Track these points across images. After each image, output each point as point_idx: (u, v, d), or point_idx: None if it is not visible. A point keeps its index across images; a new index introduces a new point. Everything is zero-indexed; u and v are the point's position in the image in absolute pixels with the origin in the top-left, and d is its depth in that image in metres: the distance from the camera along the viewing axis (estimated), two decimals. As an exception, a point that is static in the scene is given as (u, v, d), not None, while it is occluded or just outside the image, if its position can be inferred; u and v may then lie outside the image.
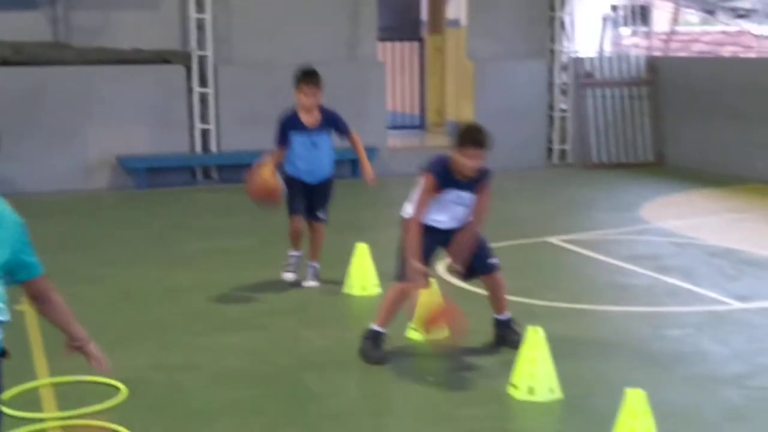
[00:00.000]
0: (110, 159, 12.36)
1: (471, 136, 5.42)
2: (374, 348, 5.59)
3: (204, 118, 12.77)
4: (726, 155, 12.92)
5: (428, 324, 5.40)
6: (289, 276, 7.32)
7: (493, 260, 5.75)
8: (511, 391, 5.03)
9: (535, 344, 5.01)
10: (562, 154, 14.48)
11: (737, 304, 6.73)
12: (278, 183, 6.81)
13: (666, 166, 13.88)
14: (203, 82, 12.72)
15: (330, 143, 7.15)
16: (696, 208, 10.67)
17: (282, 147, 7.00)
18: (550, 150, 14.47)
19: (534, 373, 4.98)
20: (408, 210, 5.60)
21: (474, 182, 5.52)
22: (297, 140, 7.01)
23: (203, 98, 12.73)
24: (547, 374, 4.99)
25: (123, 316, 6.68)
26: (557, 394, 4.97)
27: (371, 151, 13.18)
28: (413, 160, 13.65)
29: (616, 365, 5.52)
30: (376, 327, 5.63)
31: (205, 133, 12.80)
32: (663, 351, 5.78)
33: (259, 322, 6.46)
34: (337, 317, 6.61)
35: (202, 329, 6.32)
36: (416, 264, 5.38)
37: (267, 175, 6.74)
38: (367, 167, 7.18)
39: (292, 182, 7.05)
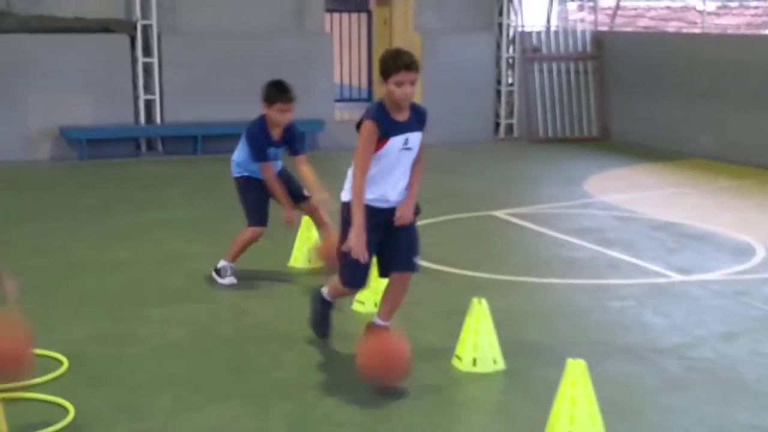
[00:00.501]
0: (52, 130, 12.15)
1: (397, 60, 4.79)
2: (322, 321, 5.46)
3: (148, 89, 12.59)
4: (670, 130, 13.07)
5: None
6: (232, 280, 6.65)
7: (417, 259, 5.15)
8: (455, 362, 5.06)
9: (478, 316, 5.03)
10: (509, 128, 14.54)
11: (678, 277, 6.83)
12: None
13: (611, 140, 14.01)
14: (147, 52, 12.54)
15: (281, 153, 6.68)
16: (639, 183, 10.79)
17: (267, 162, 6.47)
18: (497, 124, 14.52)
19: (478, 344, 5.00)
20: (347, 195, 5.01)
21: (415, 119, 4.95)
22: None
23: (147, 68, 12.56)
24: (491, 346, 5.02)
25: (65, 288, 6.59)
26: (500, 365, 5.00)
27: (318, 124, 13.16)
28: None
29: (558, 337, 5.57)
30: (326, 295, 5.41)
31: (149, 104, 12.64)
32: (604, 322, 5.85)
33: (202, 295, 6.41)
34: (281, 290, 6.58)
35: (144, 301, 6.25)
36: (361, 236, 4.80)
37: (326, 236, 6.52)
38: (324, 196, 6.47)
39: (250, 184, 6.56)
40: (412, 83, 4.83)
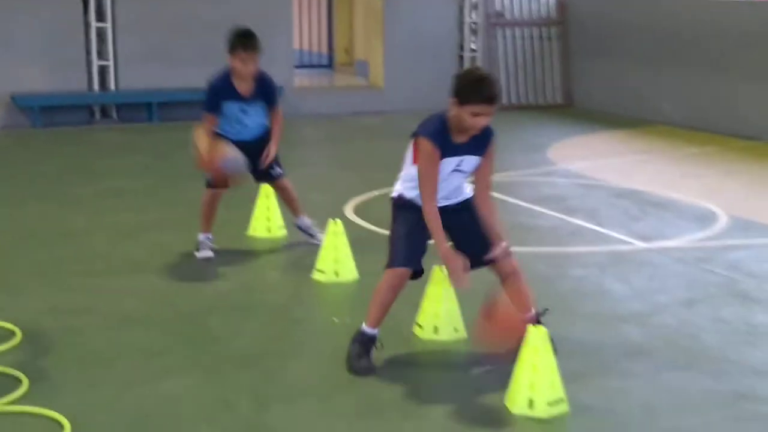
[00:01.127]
0: (4, 97, 11.90)
1: (482, 91, 4.33)
2: (361, 355, 4.55)
3: (102, 55, 12.35)
4: (633, 97, 13.08)
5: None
6: (207, 254, 6.40)
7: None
8: (417, 331, 5.01)
9: (440, 284, 4.97)
10: (471, 95, 14.47)
11: (640, 244, 6.82)
12: (223, 154, 6.02)
13: (574, 107, 14.00)
14: (101, 17, 12.28)
15: (263, 111, 6.30)
16: (602, 150, 10.79)
17: (214, 114, 6.15)
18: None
19: (439, 312, 4.96)
20: (398, 187, 4.69)
21: (474, 143, 4.50)
22: (229, 108, 6.17)
23: (101, 33, 12.30)
24: (452, 314, 4.97)
25: (19, 258, 6.45)
26: (461, 333, 4.96)
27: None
28: (321, 100, 13.53)
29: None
30: (366, 328, 4.61)
31: (103, 70, 12.40)
32: (566, 290, 5.82)
33: (159, 265, 6.29)
34: (240, 260, 6.48)
35: (100, 271, 6.13)
36: (453, 256, 4.39)
37: (207, 149, 6.04)
38: (273, 148, 6.34)
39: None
40: (489, 117, 4.40)
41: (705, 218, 7.55)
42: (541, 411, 3.99)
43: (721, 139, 11.27)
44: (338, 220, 6.02)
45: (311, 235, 6.59)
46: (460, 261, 4.37)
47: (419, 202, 4.49)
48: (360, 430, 3.93)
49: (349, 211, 7.70)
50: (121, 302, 5.52)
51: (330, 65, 16.43)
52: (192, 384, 4.40)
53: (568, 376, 4.14)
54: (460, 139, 4.46)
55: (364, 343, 4.56)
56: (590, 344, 4.91)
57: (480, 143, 4.51)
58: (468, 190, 4.69)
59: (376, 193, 8.37)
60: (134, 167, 9.66)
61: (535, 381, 4.01)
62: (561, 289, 5.83)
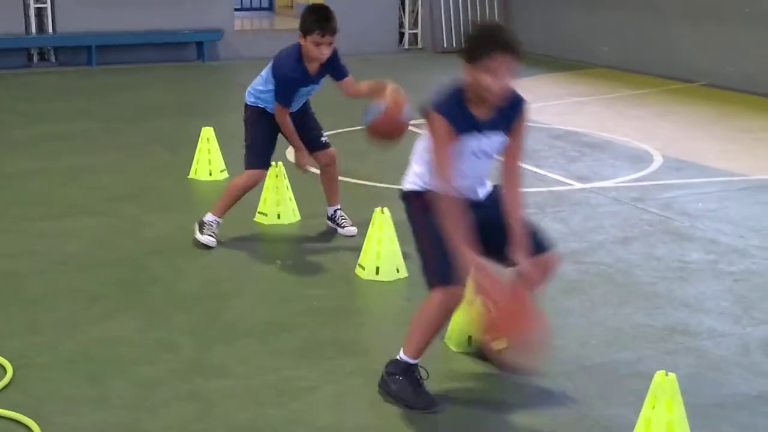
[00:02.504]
0: (-63, 39, 11.59)
1: (493, 39, 3.50)
2: (414, 390, 3.67)
3: (39, -4, 12.08)
4: (572, 40, 13.16)
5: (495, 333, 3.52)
6: (210, 240, 5.50)
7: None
8: (359, 271, 5.07)
9: (381, 226, 5.03)
10: (414, 38, 14.44)
11: (577, 185, 6.94)
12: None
13: (514, 51, 14.03)
14: (37, -42, 11.99)
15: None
16: (542, 93, 10.86)
17: (289, 107, 5.37)
18: (401, 34, 14.39)
19: (380, 253, 5.01)
20: (412, 179, 3.84)
21: (502, 117, 3.63)
22: (298, 92, 5.44)
23: (37, -25, 12.02)
24: (393, 254, 5.03)
25: (-46, 203, 6.36)
26: (402, 273, 5.03)
27: (216, 33, 12.85)
28: (261, 44, 13.38)
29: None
30: (406, 357, 3.68)
31: (40, 12, 12.13)
32: (506, 230, 5.91)
33: (100, 208, 6.25)
34: (182, 202, 6.47)
35: (40, 215, 6.07)
36: (473, 257, 3.45)
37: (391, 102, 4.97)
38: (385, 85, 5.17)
39: (263, 118, 5.44)
40: (511, 72, 3.52)
41: (640, 159, 7.69)
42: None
43: (657, 81, 11.42)
44: (279, 163, 6.03)
45: (338, 225, 5.76)
46: (482, 266, 3.46)
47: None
48: (302, 368, 3.99)
49: (290, 153, 7.69)
50: (62, 246, 5.49)
51: (271, 8, 16.24)
52: (134, 326, 4.42)
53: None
54: (481, 112, 3.60)
55: (408, 373, 3.68)
56: (528, 282, 5.01)
57: (507, 116, 3.64)
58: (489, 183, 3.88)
59: (317, 136, 8.38)
60: (73, 111, 9.51)
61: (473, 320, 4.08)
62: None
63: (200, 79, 11.58)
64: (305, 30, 5.17)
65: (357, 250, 5.16)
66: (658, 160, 7.60)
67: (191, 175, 6.96)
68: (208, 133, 6.95)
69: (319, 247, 5.61)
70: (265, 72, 5.43)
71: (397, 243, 5.03)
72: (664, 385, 3.10)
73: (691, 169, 7.36)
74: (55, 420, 3.52)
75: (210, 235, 5.48)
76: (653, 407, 3.10)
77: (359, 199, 6.41)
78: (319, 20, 5.17)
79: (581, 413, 3.66)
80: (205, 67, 12.44)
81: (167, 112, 9.45)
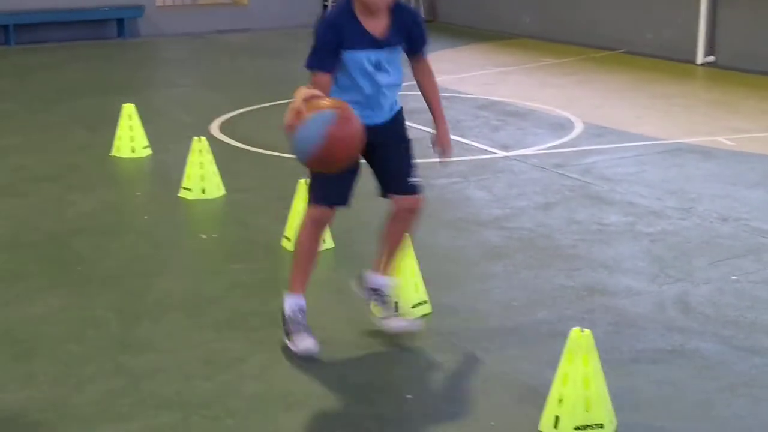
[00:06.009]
0: None
1: None
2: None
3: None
4: (495, 11, 13.26)
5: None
6: (309, 344, 3.84)
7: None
8: (285, 243, 5.09)
9: (305, 197, 5.05)
10: (337, 12, 14.41)
11: (500, 153, 7.04)
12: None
13: (438, 22, 14.10)
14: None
15: (399, 64, 3.88)
16: (465, 64, 10.96)
17: (329, 73, 3.72)
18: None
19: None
20: None
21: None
22: (353, 61, 3.74)
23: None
24: (319, 225, 5.06)
25: None
26: (329, 243, 5.07)
27: (137, 10, 12.67)
28: (184, 20, 13.24)
29: (383, 214, 5.67)
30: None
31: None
32: (430, 199, 5.94)
33: (22, 189, 6.17)
34: (105, 181, 6.41)
35: (-42, 198, 5.98)
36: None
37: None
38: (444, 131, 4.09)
39: None
40: None
41: (561, 126, 7.82)
42: (405, 312, 4.15)
43: (578, 49, 11.58)
44: (203, 138, 6.01)
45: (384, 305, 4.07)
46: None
47: None
48: (229, 340, 4.01)
49: (215, 129, 7.67)
50: (-19, 228, 5.42)
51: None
52: (59, 304, 4.39)
53: (430, 280, 4.31)
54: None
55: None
56: (452, 249, 5.10)
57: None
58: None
59: (242, 110, 8.36)
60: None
61: (399, 285, 4.15)
62: (426, 199, 5.97)
63: (121, 57, 11.42)
64: None
65: (282, 220, 5.18)
66: (578, 127, 7.74)
67: (113, 153, 6.89)
68: (129, 110, 6.89)
69: (245, 220, 5.62)
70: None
71: (322, 214, 5.05)
72: (580, 341, 3.20)
73: (611, 135, 7.51)
74: (-21, 400, 3.50)
75: (300, 334, 3.84)
76: (570, 362, 3.20)
77: (285, 173, 6.42)
78: None
79: (503, 372, 3.75)
80: (126, 45, 12.27)
81: (88, 91, 9.32)
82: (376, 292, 4.05)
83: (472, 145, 7.24)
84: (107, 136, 7.00)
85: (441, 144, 4.04)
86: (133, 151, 6.85)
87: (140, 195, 6.31)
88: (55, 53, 11.59)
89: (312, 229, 3.87)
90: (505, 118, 8.15)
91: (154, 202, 6.03)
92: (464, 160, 6.85)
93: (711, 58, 10.43)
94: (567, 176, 6.40)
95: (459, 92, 9.17)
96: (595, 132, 7.60)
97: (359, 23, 3.69)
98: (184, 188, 5.94)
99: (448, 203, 5.90)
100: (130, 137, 6.86)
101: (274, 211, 5.64)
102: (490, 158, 6.93)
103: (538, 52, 11.61)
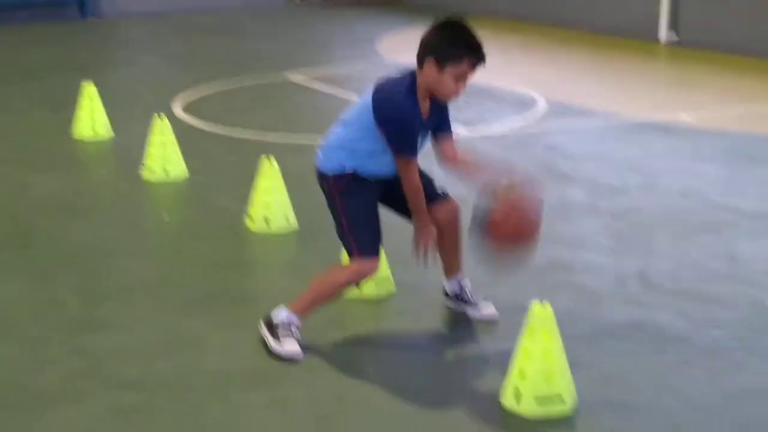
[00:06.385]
0: None
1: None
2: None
3: None
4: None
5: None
6: (292, 349, 3.69)
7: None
8: (248, 223, 5.08)
9: (269, 175, 5.04)
10: (302, -9, 14.34)
11: (464, 132, 7.05)
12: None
13: (402, 2, 14.07)
14: None
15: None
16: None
17: (416, 157, 3.73)
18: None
19: (269, 203, 5.03)
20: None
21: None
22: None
23: None
24: (282, 204, 5.06)
25: None
26: (293, 224, 5.06)
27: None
28: (147, 0, 13.12)
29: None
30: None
31: None
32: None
33: (-19, 171, 6.11)
34: (66, 162, 6.35)
35: None
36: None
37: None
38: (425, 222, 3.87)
39: (358, 187, 3.74)
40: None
41: (525, 104, 7.85)
42: (370, 291, 4.16)
43: (542, 29, 11.62)
44: (164, 117, 5.97)
45: (469, 303, 4.07)
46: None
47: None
48: (191, 320, 4.00)
49: (178, 109, 7.62)
50: (-60, 210, 5.36)
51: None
52: (19, 286, 4.35)
53: (395, 259, 4.31)
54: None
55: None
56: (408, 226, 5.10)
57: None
58: None
59: (206, 91, 8.30)
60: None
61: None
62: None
63: (83, 37, 11.30)
64: (444, 57, 3.53)
65: (244, 199, 5.16)
66: (542, 106, 7.77)
67: (74, 134, 6.83)
68: (90, 90, 6.82)
69: (207, 200, 5.60)
70: (353, 114, 3.75)
71: (285, 193, 5.05)
72: (540, 315, 3.22)
73: (573, 113, 7.55)
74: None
75: (290, 339, 3.70)
76: (530, 336, 3.23)
77: (248, 152, 6.40)
78: (471, 47, 3.56)
79: (466, 348, 3.77)
80: (88, 24, 12.14)
81: (49, 72, 9.22)
82: (460, 297, 4.04)
83: (436, 124, 7.24)
84: (68, 117, 6.93)
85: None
86: (94, 132, 6.79)
87: (102, 176, 6.27)
88: (15, 34, 11.43)
89: (353, 279, 3.71)
90: (468, 97, 8.13)
91: (116, 183, 5.99)
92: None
93: (674, 36, 10.51)
94: (529, 153, 6.43)
95: (423, 71, 9.17)
96: (558, 110, 7.64)
97: (418, 106, 3.61)
98: (147, 169, 5.90)
99: (411, 182, 5.90)
100: (92, 118, 6.80)
101: (237, 190, 5.62)
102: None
103: (503, 30, 11.62)
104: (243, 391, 3.43)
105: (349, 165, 3.69)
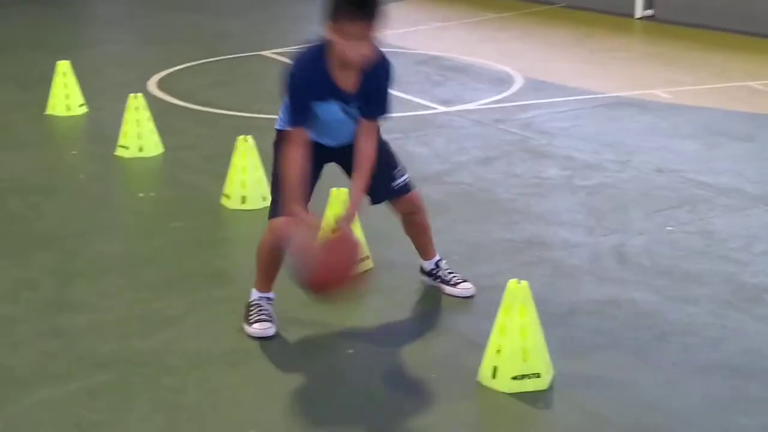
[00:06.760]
0: None
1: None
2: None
3: None
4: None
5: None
6: (264, 327, 3.69)
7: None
8: (224, 201, 5.05)
9: (244, 153, 5.01)
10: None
11: (441, 108, 7.04)
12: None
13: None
14: None
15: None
16: (405, 19, 10.89)
17: (302, 126, 3.51)
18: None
19: (245, 182, 5.00)
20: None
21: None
22: (324, 110, 3.56)
23: None
24: (259, 182, 5.03)
25: None
26: (269, 201, 5.03)
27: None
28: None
29: (325, 170, 5.65)
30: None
31: None
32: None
33: (-48, 149, 6.03)
34: (40, 140, 6.29)
35: None
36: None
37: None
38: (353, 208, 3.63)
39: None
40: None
41: (501, 81, 7.83)
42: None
43: (518, 4, 11.58)
44: (139, 95, 5.91)
45: (445, 282, 4.06)
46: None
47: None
48: (168, 299, 3.98)
49: (152, 86, 7.55)
50: None
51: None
52: (-10, 265, 4.32)
53: (370, 237, 4.30)
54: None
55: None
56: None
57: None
58: None
59: (179, 67, 8.23)
60: None
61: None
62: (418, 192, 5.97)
63: (54, 13, 11.15)
64: (334, 18, 3.36)
65: (222, 178, 5.13)
66: (518, 82, 7.76)
67: (48, 112, 6.76)
68: (64, 67, 6.74)
69: (183, 178, 5.56)
70: None
71: (262, 170, 5.02)
72: (516, 292, 3.23)
73: (550, 89, 7.54)
74: None
75: (259, 320, 3.69)
76: (507, 313, 3.24)
77: (224, 130, 6.35)
78: (351, 1, 3.34)
79: (443, 326, 3.78)
80: (60, 2, 11.99)
81: (20, 49, 9.10)
82: (434, 272, 4.06)
83: (412, 101, 7.22)
84: (42, 95, 6.85)
85: (345, 218, 3.51)
86: (68, 109, 6.72)
87: (76, 154, 6.22)
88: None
89: (270, 239, 3.66)
90: (445, 73, 8.14)
91: (90, 161, 5.94)
92: (405, 116, 6.83)
93: (649, 12, 10.51)
94: (506, 131, 6.42)
95: (399, 47, 9.12)
96: (535, 86, 7.63)
97: (330, 77, 3.44)
98: (121, 146, 5.85)
99: (388, 159, 5.89)
100: (65, 95, 6.72)
101: (213, 169, 5.59)
102: (431, 114, 6.92)
103: (479, 6, 11.57)
104: (219, 371, 3.42)
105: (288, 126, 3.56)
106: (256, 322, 3.67)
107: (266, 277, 3.73)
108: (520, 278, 3.31)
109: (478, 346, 3.39)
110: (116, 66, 8.37)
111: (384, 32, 3.39)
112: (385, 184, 3.83)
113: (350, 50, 3.33)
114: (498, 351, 3.26)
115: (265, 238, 3.68)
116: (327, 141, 3.68)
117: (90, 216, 4.97)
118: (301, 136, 3.49)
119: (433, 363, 3.49)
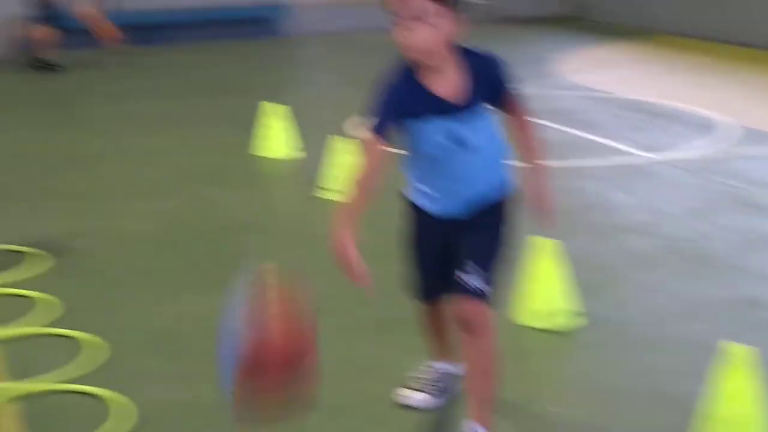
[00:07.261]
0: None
1: None
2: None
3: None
4: (638, 6, 12.96)
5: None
6: (417, 397, 3.47)
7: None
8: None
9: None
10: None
11: (644, 155, 6.89)
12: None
13: (581, 19, 13.79)
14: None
15: (489, 127, 3.09)
16: (607, 62, 10.76)
17: (385, 142, 2.93)
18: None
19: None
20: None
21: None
22: (424, 136, 2.99)
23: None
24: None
25: (34, 182, 6.50)
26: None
27: (284, 8, 12.87)
28: (329, 17, 13.35)
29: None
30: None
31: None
32: (571, 203, 5.85)
33: (172, 187, 6.33)
34: (249, 180, 6.52)
35: (116, 195, 6.17)
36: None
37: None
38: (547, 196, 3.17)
39: (415, 219, 3.27)
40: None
41: (709, 127, 7.59)
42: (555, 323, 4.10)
43: (718, 46, 11.19)
44: (345, 138, 6.04)
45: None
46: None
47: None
48: (369, 344, 4.03)
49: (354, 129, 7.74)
50: (142, 225, 5.56)
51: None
52: (207, 300, 4.48)
53: (577, 288, 4.23)
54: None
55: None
56: (597, 256, 5.01)
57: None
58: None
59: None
60: (144, 89, 9.62)
61: (546, 293, 4.09)
62: (566, 202, 5.87)
63: (269, 56, 11.62)
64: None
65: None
66: (727, 129, 7.50)
67: (256, 152, 6.94)
68: (275, 109, 6.99)
69: (394, 222, 5.62)
70: None
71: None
72: (737, 357, 3.10)
73: (763, 137, 7.24)
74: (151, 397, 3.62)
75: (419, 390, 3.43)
76: (726, 379, 3.11)
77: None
78: None
79: (654, 387, 3.67)
80: (266, 44, 12.44)
81: (240, 90, 9.44)
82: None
83: (615, 147, 7.10)
84: (250, 135, 7.10)
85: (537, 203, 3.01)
86: (276, 151, 6.94)
87: (284, 194, 6.42)
88: (203, 52, 11.77)
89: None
90: (649, 119, 7.97)
91: (298, 201, 6.11)
92: (606, 163, 6.73)
93: None
94: (716, 180, 6.21)
95: (600, 91, 9.00)
96: (746, 134, 7.34)
97: (421, 85, 2.88)
98: (327, 189, 6.00)
99: (590, 208, 5.80)
100: (275, 137, 6.95)
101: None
102: (634, 161, 6.78)
103: (689, 49, 11.27)
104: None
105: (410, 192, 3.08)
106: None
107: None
108: (739, 340, 3.18)
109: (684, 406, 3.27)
110: (323, 107, 8.59)
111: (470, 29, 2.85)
112: (461, 266, 2.94)
113: (396, 33, 2.77)
114: (718, 418, 3.13)
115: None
116: (442, 204, 2.97)
117: (299, 256, 5.10)
118: (382, 149, 2.82)
119: (637, 419, 3.39)
